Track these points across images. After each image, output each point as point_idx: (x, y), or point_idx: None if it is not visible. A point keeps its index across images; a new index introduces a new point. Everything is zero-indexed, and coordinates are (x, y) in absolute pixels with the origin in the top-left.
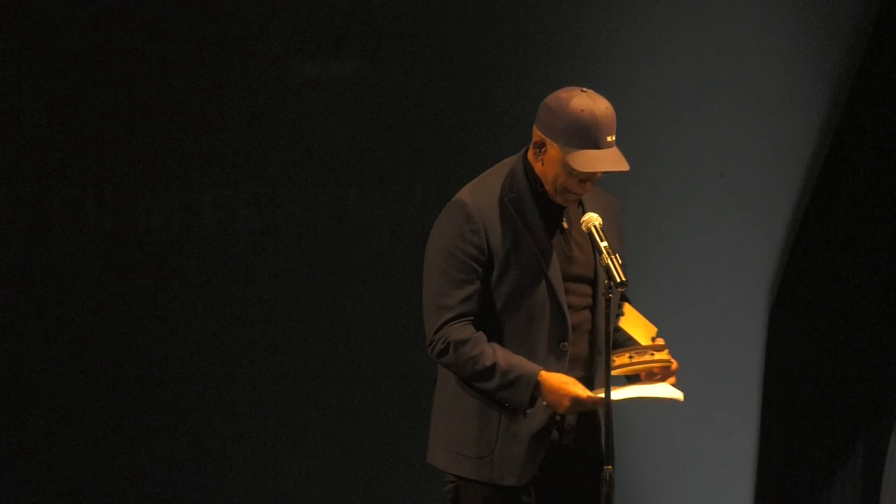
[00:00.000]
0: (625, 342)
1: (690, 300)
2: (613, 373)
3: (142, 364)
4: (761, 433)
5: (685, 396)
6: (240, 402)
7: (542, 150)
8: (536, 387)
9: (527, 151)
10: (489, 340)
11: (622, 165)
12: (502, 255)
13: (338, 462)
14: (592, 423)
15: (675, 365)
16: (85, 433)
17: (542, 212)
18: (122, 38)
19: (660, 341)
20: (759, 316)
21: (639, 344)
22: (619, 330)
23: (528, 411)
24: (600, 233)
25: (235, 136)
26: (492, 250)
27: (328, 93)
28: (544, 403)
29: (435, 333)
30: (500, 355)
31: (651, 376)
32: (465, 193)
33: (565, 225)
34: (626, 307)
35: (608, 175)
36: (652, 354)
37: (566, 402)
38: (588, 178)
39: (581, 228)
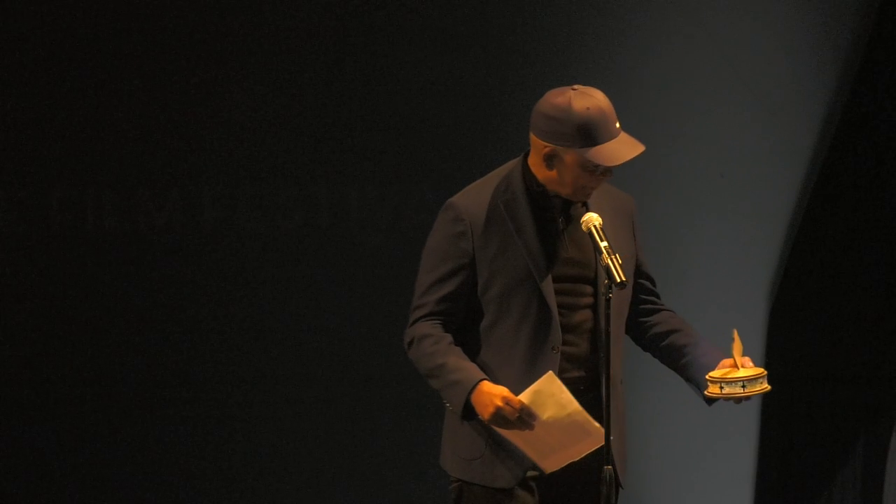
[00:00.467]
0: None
1: (690, 300)
2: (706, 393)
3: (142, 364)
4: (761, 433)
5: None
6: (240, 401)
7: (554, 159)
8: (471, 392)
9: (527, 155)
10: (481, 343)
11: (640, 147)
12: (489, 258)
13: (337, 462)
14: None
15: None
16: (85, 433)
17: (536, 213)
18: (121, 38)
19: (747, 364)
20: (759, 316)
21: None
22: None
23: (466, 421)
24: (600, 233)
25: (235, 136)
26: (477, 253)
27: (328, 92)
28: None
29: (408, 328)
30: (451, 356)
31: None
32: (458, 195)
33: (562, 226)
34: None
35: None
36: (743, 387)
37: (490, 409)
38: (608, 169)
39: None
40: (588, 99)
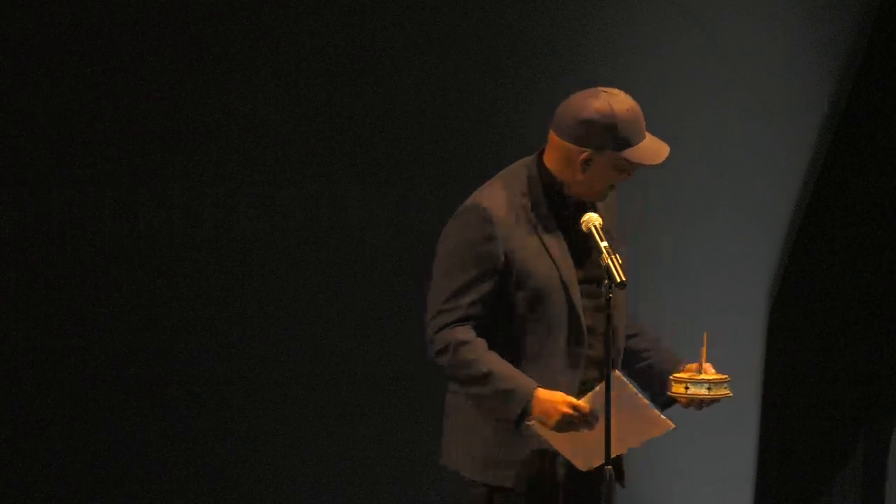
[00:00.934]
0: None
1: (690, 300)
2: (669, 393)
3: (142, 364)
4: (761, 433)
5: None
6: (239, 402)
7: (591, 163)
8: (529, 402)
9: (541, 154)
10: (509, 348)
11: (666, 144)
12: (519, 262)
13: (337, 462)
14: None
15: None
16: (85, 433)
17: (558, 216)
18: (122, 38)
19: (709, 371)
20: (759, 316)
21: (691, 368)
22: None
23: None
24: (600, 233)
25: (236, 137)
26: (508, 258)
27: (328, 92)
28: (530, 423)
29: (436, 333)
30: (496, 363)
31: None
32: (481, 197)
33: (583, 228)
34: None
35: None
36: (709, 389)
37: (556, 416)
38: (633, 169)
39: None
40: (624, 100)
